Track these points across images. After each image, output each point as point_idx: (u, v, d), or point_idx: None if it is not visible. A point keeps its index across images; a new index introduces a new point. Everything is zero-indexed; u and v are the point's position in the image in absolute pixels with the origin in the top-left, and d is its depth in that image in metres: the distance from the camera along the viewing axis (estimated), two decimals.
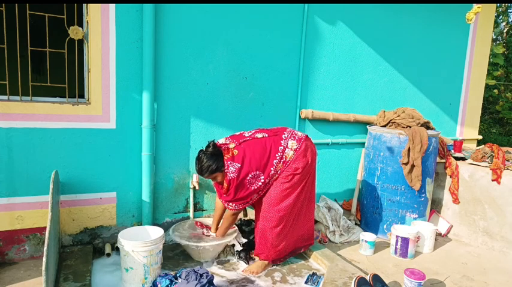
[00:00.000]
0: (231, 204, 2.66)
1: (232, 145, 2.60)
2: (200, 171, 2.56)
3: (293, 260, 2.94)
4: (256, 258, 2.85)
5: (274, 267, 2.81)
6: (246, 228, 3.11)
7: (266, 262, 2.75)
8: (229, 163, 2.52)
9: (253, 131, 2.72)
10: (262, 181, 2.58)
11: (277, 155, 2.60)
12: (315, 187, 2.88)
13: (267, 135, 2.67)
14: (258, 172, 2.55)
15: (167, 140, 3.06)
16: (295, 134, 2.70)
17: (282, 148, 2.62)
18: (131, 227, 2.89)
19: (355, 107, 3.85)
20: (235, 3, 3.11)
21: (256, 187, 2.58)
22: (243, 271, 2.72)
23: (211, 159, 2.51)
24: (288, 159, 2.61)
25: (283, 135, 2.68)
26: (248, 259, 2.86)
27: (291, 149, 2.62)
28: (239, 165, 2.51)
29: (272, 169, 2.58)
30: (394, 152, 3.37)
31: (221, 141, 2.64)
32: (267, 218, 2.66)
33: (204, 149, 2.58)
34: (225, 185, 2.57)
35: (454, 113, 4.49)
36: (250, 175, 2.53)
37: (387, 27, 3.85)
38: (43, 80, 2.76)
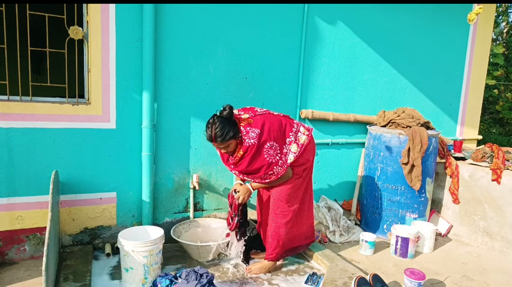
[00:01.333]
0: (241, 175, 2.54)
1: (246, 115, 2.45)
2: (214, 137, 2.31)
3: (293, 260, 2.94)
4: (256, 258, 2.84)
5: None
6: (246, 229, 3.10)
7: (271, 262, 2.70)
8: (248, 128, 2.35)
9: (264, 109, 2.60)
10: (279, 155, 2.42)
11: (290, 134, 2.52)
12: (312, 184, 2.87)
13: (281, 115, 2.60)
14: (275, 144, 2.40)
15: (167, 140, 3.06)
16: (303, 124, 2.67)
17: (295, 129, 2.56)
18: (131, 227, 2.89)
19: (355, 107, 3.84)
20: (235, 3, 3.11)
21: (273, 160, 2.39)
22: (246, 271, 2.69)
23: (228, 124, 2.30)
24: (301, 142, 2.53)
25: (294, 121, 2.63)
26: (248, 259, 2.85)
27: (304, 134, 2.57)
28: (259, 130, 2.35)
29: (285, 147, 2.47)
30: (394, 152, 3.37)
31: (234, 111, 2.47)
32: (282, 214, 2.60)
33: (218, 113, 2.37)
34: (240, 153, 2.38)
35: (454, 113, 4.49)
36: (268, 144, 2.37)
37: (387, 27, 3.85)
38: (43, 80, 2.76)
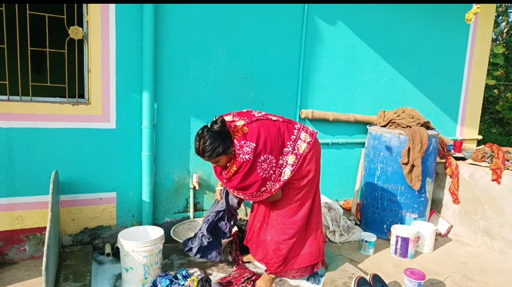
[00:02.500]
0: (235, 192, 2.34)
1: (240, 123, 2.24)
2: (202, 151, 2.14)
3: None
4: (250, 260, 2.82)
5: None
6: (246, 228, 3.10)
7: (273, 275, 2.54)
8: (242, 142, 2.15)
9: (263, 113, 2.39)
10: (273, 169, 2.22)
11: (288, 143, 2.30)
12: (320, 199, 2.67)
13: (280, 119, 2.38)
14: (270, 156, 2.19)
15: (167, 140, 3.06)
16: (307, 128, 2.45)
17: (294, 137, 2.33)
18: (131, 227, 2.89)
19: (355, 107, 3.85)
20: (235, 3, 3.11)
21: (267, 175, 2.20)
22: None
23: (218, 139, 2.11)
24: (301, 152, 2.31)
25: (295, 125, 2.41)
26: (241, 261, 2.81)
27: (304, 141, 2.34)
28: (254, 145, 2.15)
29: (281, 157, 2.26)
30: (394, 152, 3.37)
31: (227, 118, 2.28)
32: (282, 231, 2.41)
33: (209, 126, 2.17)
34: (233, 168, 2.19)
35: (454, 113, 4.49)
36: (262, 157, 2.17)
37: (387, 27, 3.85)
38: (43, 80, 2.76)
